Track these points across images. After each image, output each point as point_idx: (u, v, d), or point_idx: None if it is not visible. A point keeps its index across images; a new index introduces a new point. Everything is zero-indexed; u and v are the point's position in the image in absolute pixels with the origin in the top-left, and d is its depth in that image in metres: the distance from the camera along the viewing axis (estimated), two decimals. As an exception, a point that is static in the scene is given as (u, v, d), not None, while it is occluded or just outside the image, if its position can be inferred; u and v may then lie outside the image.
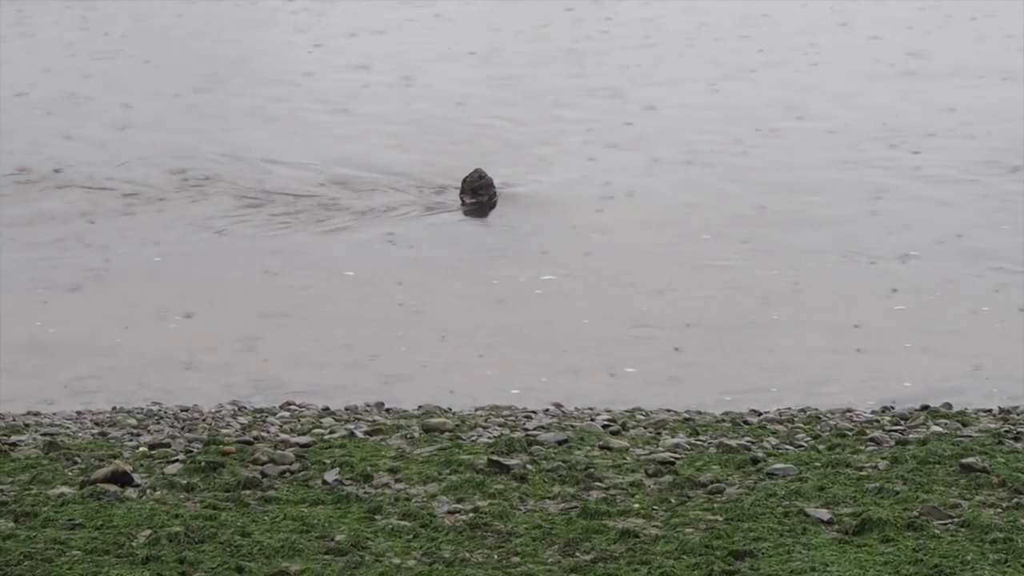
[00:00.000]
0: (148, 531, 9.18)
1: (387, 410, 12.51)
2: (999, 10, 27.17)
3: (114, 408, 12.61)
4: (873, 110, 21.62)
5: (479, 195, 17.93)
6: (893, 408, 12.45)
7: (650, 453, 10.87)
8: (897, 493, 9.86)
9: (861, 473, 10.33)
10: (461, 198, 17.95)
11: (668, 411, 12.47)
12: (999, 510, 9.67)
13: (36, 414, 12.37)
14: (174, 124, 21.20)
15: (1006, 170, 18.92)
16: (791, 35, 26.16)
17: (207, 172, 19.06)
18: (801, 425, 11.86)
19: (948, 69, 23.84)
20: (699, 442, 11.23)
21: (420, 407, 12.54)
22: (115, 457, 10.70)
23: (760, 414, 12.33)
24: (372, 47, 25.76)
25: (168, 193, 18.40)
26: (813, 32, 26.37)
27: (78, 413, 12.42)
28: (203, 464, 10.37)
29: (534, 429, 11.60)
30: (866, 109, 21.70)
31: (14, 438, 11.32)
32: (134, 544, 9.02)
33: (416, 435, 11.37)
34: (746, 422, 11.99)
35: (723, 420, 12.07)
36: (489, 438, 11.26)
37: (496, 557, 9.02)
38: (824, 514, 9.54)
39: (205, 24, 27.52)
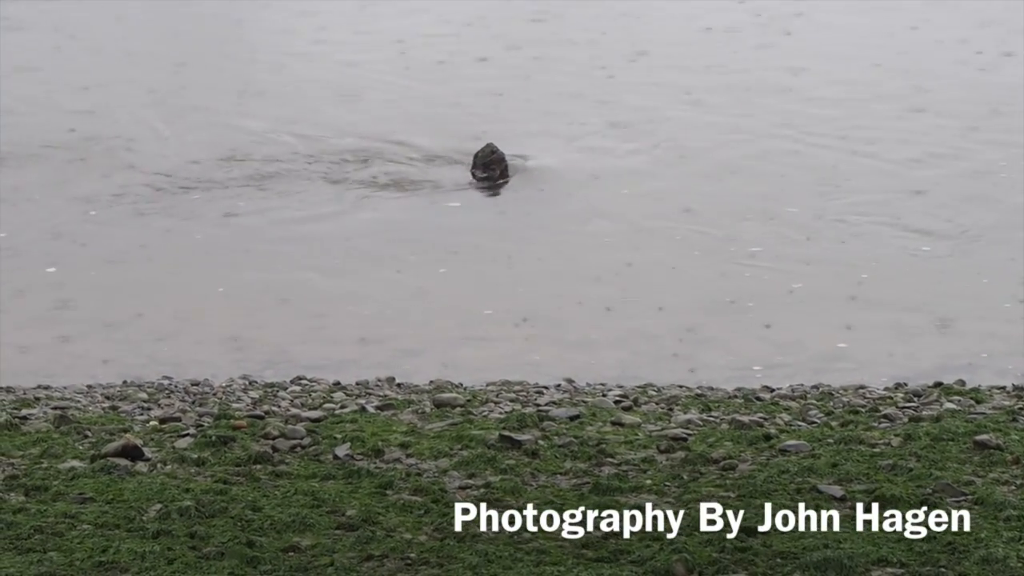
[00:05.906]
0: (159, 505, 9.16)
1: (398, 385, 12.48)
2: None
3: (125, 382, 12.59)
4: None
5: (490, 170, 17.87)
6: (906, 385, 12.41)
7: (662, 429, 10.83)
8: (910, 470, 9.82)
9: (874, 450, 10.28)
10: (472, 173, 17.89)
11: (680, 387, 12.44)
12: (1013, 487, 9.62)
13: (46, 388, 12.36)
14: (179, 102, 21.18)
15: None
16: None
17: (218, 148, 19.03)
18: (814, 402, 11.82)
19: None
20: (711, 418, 11.20)
21: (431, 382, 12.52)
22: (126, 431, 10.68)
23: (773, 390, 12.29)
24: (379, 21, 25.68)
25: (179, 172, 18.36)
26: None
27: (88, 387, 12.40)
28: (214, 438, 10.34)
29: (546, 404, 11.57)
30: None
31: (25, 412, 11.31)
32: (144, 518, 9.00)
33: (427, 410, 11.35)
34: (759, 398, 11.95)
35: (735, 396, 12.04)
36: (500, 413, 11.23)
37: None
38: (837, 491, 9.50)
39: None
